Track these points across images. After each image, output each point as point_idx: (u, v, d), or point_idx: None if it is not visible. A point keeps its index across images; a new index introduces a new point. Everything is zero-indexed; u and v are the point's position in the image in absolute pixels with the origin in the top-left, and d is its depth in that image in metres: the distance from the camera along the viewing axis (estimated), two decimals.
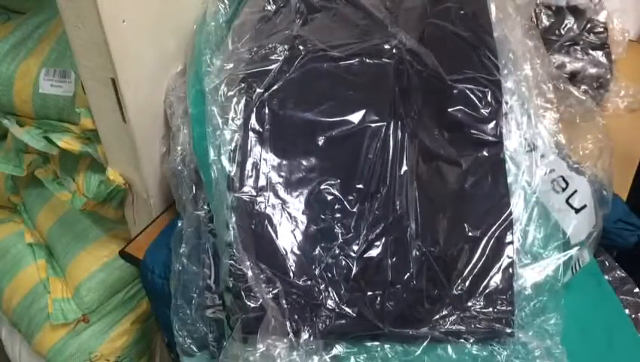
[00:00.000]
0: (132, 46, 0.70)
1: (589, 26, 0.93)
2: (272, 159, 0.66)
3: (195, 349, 0.69)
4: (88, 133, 0.84)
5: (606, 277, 0.75)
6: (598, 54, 0.92)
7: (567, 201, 0.66)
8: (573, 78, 0.90)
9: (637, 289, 0.74)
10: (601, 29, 0.94)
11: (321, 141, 0.66)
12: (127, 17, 0.68)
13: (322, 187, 0.65)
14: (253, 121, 0.67)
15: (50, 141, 0.85)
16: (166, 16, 0.75)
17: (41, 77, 0.86)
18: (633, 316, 0.71)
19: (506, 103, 0.67)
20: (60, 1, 0.66)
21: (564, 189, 0.66)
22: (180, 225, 0.74)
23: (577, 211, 0.66)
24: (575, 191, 0.66)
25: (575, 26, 0.92)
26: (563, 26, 0.91)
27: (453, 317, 0.59)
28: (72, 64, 0.84)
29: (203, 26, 0.77)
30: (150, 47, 0.74)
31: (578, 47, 0.91)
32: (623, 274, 0.76)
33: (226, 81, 0.69)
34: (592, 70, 0.90)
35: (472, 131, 0.66)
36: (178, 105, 0.78)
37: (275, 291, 0.60)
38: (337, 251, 0.62)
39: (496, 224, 0.62)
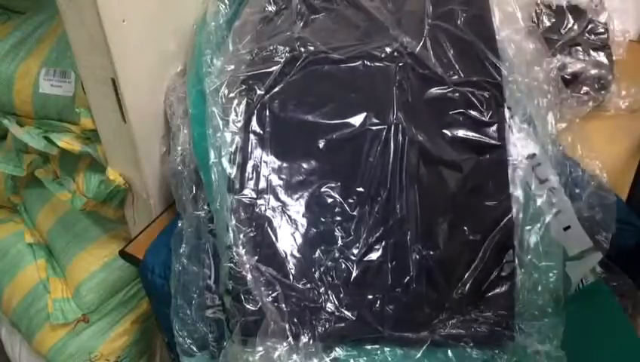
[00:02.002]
0: (132, 46, 0.70)
1: (590, 26, 0.92)
2: (273, 161, 0.66)
3: (195, 349, 0.69)
4: (88, 133, 0.84)
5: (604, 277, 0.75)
6: (599, 55, 0.91)
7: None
8: (575, 79, 0.89)
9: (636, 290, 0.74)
10: (602, 30, 0.93)
11: (321, 144, 0.66)
12: (127, 17, 0.68)
13: (322, 190, 0.65)
14: (253, 123, 0.67)
15: (50, 141, 0.85)
16: (166, 16, 0.75)
17: (41, 77, 0.86)
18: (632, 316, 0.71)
19: (509, 108, 0.66)
20: (60, 1, 0.66)
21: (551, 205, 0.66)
22: (179, 225, 0.74)
23: (565, 229, 0.65)
24: (559, 211, 0.65)
25: (576, 26, 0.91)
26: (564, 26, 0.91)
27: (454, 321, 0.60)
28: (72, 64, 0.84)
29: (203, 26, 0.77)
30: (150, 47, 0.74)
31: (579, 48, 0.91)
32: (622, 275, 0.76)
33: (226, 82, 0.69)
34: (593, 71, 0.90)
35: (474, 134, 0.66)
36: (178, 106, 0.77)
37: (275, 294, 0.60)
38: (337, 254, 0.62)
39: (497, 228, 0.62)
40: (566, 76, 0.87)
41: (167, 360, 1.06)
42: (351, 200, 0.64)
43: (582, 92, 0.89)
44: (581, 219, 0.66)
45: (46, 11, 0.93)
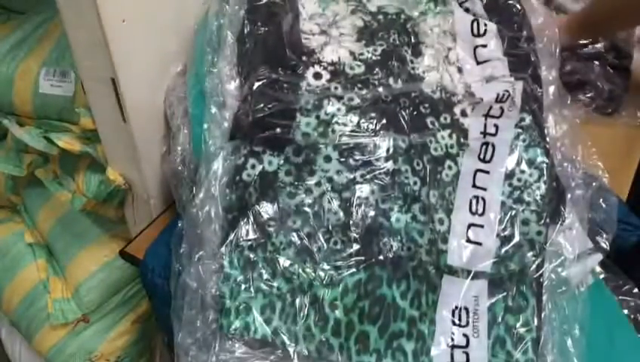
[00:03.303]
0: (132, 46, 0.70)
1: (615, 48, 0.95)
2: None
3: (194, 349, 0.69)
4: (88, 133, 0.84)
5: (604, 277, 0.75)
6: (617, 73, 0.93)
7: None
8: (582, 85, 0.91)
9: (636, 290, 0.74)
10: (626, 55, 0.95)
11: None
12: (127, 17, 0.68)
13: None
14: None
15: (50, 141, 0.85)
16: (166, 16, 0.75)
17: (41, 77, 0.86)
18: (632, 316, 0.71)
19: None
20: (60, 1, 0.66)
21: None
22: (179, 225, 0.73)
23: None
24: None
25: (599, 45, 0.94)
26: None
27: None
28: (72, 64, 0.84)
29: (204, 25, 0.77)
30: (150, 47, 0.74)
31: (597, 63, 0.93)
32: (622, 275, 0.76)
33: (227, 82, 0.68)
34: (606, 86, 0.91)
35: None
36: (178, 106, 0.77)
37: None
38: None
39: None
40: (572, 81, 0.88)
41: (167, 360, 1.06)
42: None
43: (587, 96, 0.90)
44: (582, 220, 0.66)
45: (46, 11, 0.93)
